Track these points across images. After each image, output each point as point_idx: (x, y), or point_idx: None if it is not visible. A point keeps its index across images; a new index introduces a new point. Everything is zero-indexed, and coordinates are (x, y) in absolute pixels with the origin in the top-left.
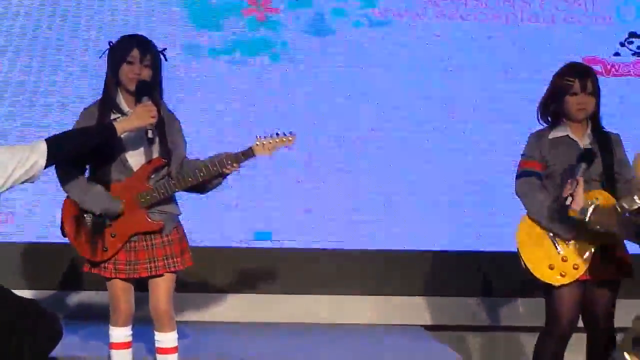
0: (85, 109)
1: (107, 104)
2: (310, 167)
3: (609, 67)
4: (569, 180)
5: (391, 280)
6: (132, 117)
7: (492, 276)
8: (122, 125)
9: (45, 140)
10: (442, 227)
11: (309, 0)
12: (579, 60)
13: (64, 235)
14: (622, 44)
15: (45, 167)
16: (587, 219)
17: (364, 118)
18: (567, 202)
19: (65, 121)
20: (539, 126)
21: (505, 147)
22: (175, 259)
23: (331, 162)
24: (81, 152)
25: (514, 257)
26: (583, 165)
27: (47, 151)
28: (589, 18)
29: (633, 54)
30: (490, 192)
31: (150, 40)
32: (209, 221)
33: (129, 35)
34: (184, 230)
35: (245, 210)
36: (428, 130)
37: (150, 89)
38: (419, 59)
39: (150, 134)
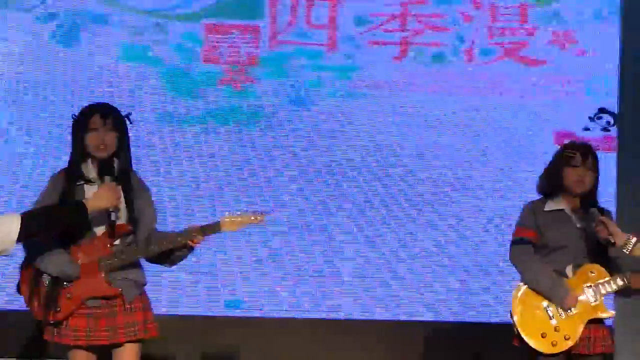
0: (52, 176)
1: (73, 173)
2: (291, 234)
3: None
4: (598, 226)
5: (376, 352)
6: (97, 198)
7: (484, 347)
8: (91, 206)
9: (21, 214)
10: (433, 297)
11: (285, 70)
12: (551, 134)
13: (20, 294)
14: (591, 119)
15: (18, 240)
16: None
17: (342, 186)
18: (611, 240)
19: None
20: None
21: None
22: (136, 327)
23: (313, 230)
24: (54, 229)
25: (506, 329)
26: (595, 211)
27: (21, 223)
28: (561, 93)
29: (602, 129)
30: (482, 263)
31: (112, 106)
32: (178, 289)
33: (89, 105)
34: (149, 300)
35: (219, 278)
36: (409, 198)
37: (112, 169)
38: (396, 129)
39: (112, 217)
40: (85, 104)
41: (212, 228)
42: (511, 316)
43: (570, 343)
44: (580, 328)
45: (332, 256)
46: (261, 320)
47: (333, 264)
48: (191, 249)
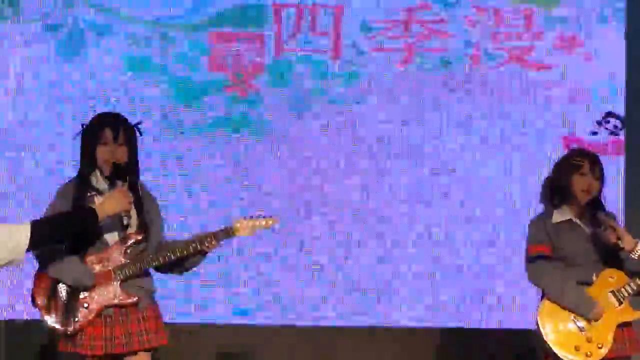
0: (59, 187)
1: (82, 183)
2: (297, 243)
3: (586, 145)
4: (606, 230)
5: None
6: (110, 203)
7: (496, 354)
8: (102, 211)
9: (31, 222)
10: (442, 303)
11: (290, 78)
12: (559, 139)
13: (34, 306)
14: (599, 123)
15: (28, 249)
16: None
17: (346, 192)
18: (620, 245)
19: None
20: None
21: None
22: (149, 336)
23: (316, 237)
24: (64, 237)
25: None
26: (602, 214)
27: (31, 233)
28: (568, 97)
29: (610, 133)
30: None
31: (122, 116)
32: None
33: (100, 115)
34: (159, 308)
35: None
36: (419, 200)
37: (124, 173)
38: (402, 135)
39: (125, 221)
40: (91, 115)
41: (226, 233)
42: (540, 333)
43: (604, 351)
44: (612, 334)
45: (345, 262)
46: (274, 328)
47: (346, 270)
48: (204, 255)
